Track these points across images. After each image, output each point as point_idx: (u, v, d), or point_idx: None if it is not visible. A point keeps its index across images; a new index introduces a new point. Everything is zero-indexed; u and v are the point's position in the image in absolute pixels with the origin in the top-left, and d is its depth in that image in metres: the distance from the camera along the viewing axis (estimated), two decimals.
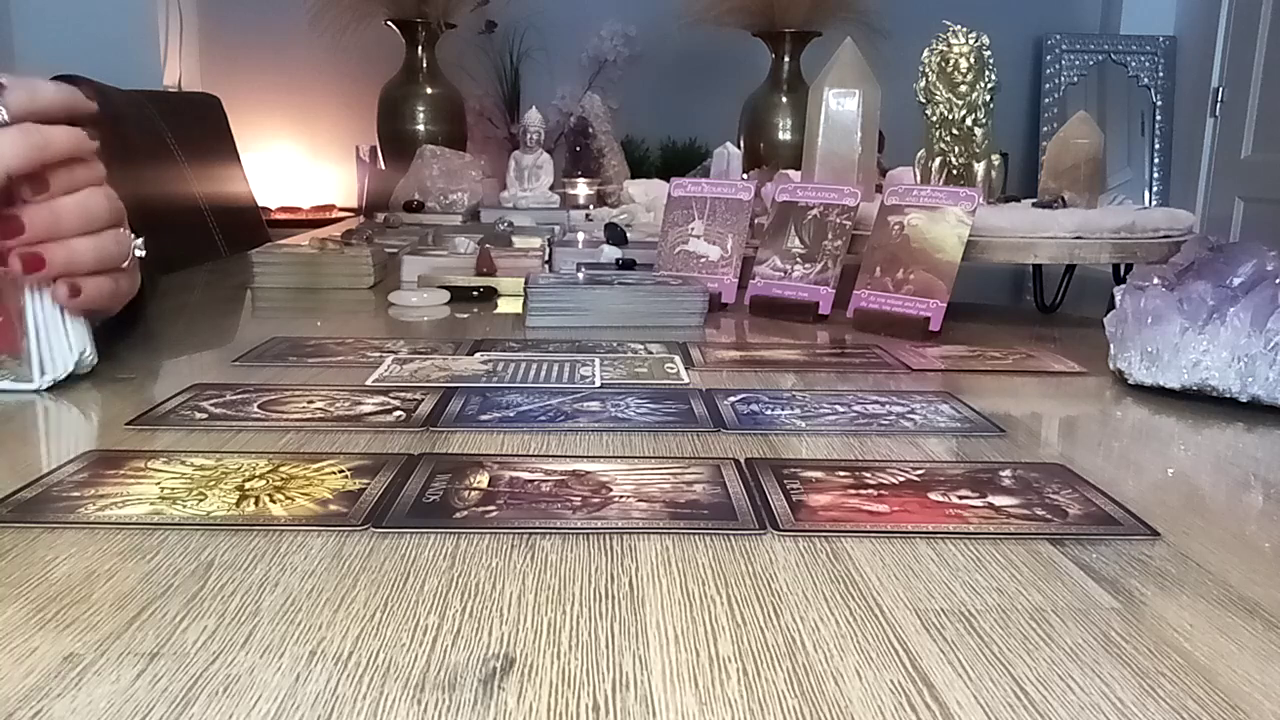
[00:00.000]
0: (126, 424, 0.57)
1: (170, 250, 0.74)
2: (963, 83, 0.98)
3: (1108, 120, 3.32)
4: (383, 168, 2.49)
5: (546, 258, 1.20)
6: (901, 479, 0.50)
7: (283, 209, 3.07)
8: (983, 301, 1.16)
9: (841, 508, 0.46)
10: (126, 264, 0.65)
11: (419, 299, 1.02)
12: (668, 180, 1.18)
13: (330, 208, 3.13)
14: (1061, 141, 1.07)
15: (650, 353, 0.79)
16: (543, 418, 0.60)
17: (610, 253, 1.17)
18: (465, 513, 0.44)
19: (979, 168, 1.01)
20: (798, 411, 0.62)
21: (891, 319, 0.90)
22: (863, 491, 0.48)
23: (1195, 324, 0.65)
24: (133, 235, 0.66)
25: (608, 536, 0.42)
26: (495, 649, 0.33)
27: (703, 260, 1.05)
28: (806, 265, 0.98)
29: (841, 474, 0.50)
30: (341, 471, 0.49)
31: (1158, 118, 3.43)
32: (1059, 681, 0.31)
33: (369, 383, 0.67)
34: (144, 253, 0.67)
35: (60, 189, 0.59)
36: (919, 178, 1.04)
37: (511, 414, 0.60)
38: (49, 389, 0.63)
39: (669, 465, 0.52)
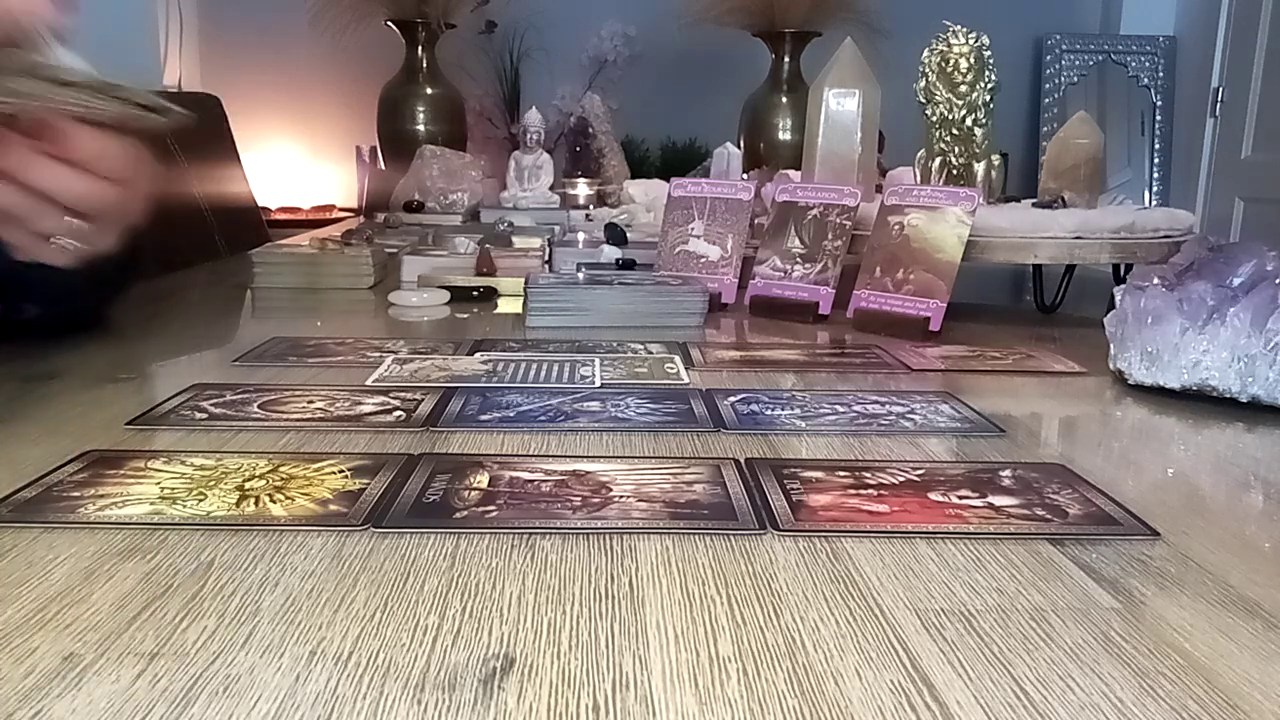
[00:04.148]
0: (126, 424, 0.57)
1: (170, 250, 0.73)
2: (963, 83, 0.98)
3: (1108, 120, 3.32)
4: (383, 168, 2.49)
5: (546, 258, 1.20)
6: (901, 479, 0.50)
7: (283, 209, 3.07)
8: (983, 301, 1.16)
9: (841, 508, 0.46)
10: (50, 236, 0.63)
11: (419, 299, 1.02)
12: (668, 180, 1.18)
13: (330, 208, 3.13)
14: (1061, 141, 1.07)
15: (650, 353, 0.79)
16: (543, 418, 0.60)
17: (610, 253, 1.17)
18: (465, 513, 0.44)
19: (979, 168, 1.01)
20: (798, 411, 0.62)
21: (891, 319, 0.90)
22: (863, 491, 0.48)
23: (1195, 324, 0.65)
24: (76, 225, 0.63)
25: (608, 536, 0.42)
26: (495, 649, 0.33)
27: (703, 260, 1.05)
28: (806, 265, 0.98)
29: (841, 474, 0.50)
30: (341, 471, 0.49)
31: (1158, 118, 3.43)
32: (1059, 681, 0.31)
33: (369, 383, 0.67)
34: (69, 244, 0.63)
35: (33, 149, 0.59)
36: (919, 178, 1.04)
37: (511, 414, 0.60)
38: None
39: (669, 465, 0.52)
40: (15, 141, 0.58)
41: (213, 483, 0.47)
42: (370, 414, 0.60)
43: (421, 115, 2.52)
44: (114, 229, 0.66)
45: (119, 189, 0.63)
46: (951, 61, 0.98)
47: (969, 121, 0.99)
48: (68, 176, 0.60)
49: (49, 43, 0.57)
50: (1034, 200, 1.05)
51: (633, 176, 2.18)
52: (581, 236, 1.37)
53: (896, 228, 0.93)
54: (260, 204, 2.41)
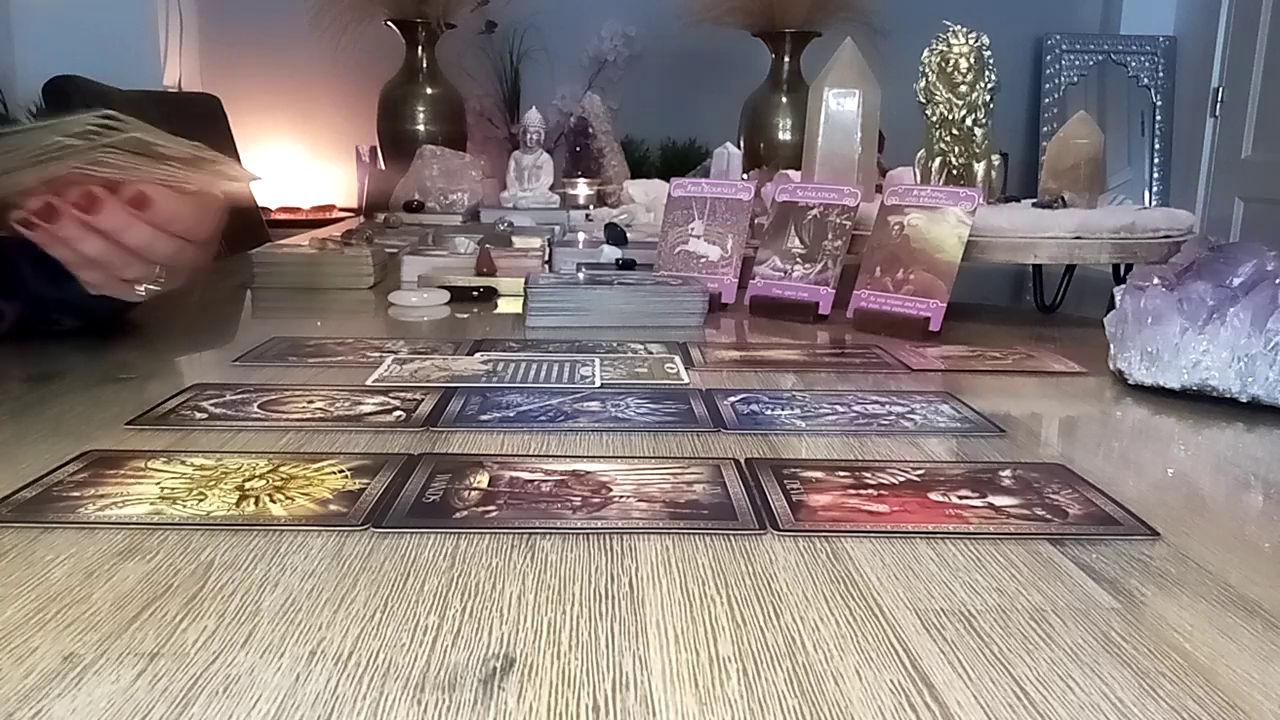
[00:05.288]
0: (126, 424, 0.57)
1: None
2: (963, 83, 0.98)
3: (1108, 120, 3.32)
4: (383, 168, 2.49)
5: (546, 258, 1.20)
6: (901, 479, 0.50)
7: (283, 209, 3.07)
8: (983, 301, 1.16)
9: (841, 508, 0.46)
10: (132, 281, 0.71)
11: (419, 299, 1.02)
12: (668, 180, 1.18)
13: (330, 208, 3.13)
14: (1061, 141, 1.07)
15: (650, 353, 0.79)
16: (543, 418, 0.60)
17: (610, 253, 1.17)
18: (465, 513, 0.44)
19: (979, 168, 1.01)
20: (798, 411, 0.62)
21: (891, 319, 0.90)
22: (863, 491, 0.48)
23: (1195, 324, 0.65)
24: (156, 276, 0.72)
25: (608, 536, 0.42)
26: (495, 649, 0.33)
27: (703, 260, 1.05)
28: (806, 265, 0.98)
29: (841, 474, 0.50)
30: (341, 471, 0.49)
31: (1158, 118, 3.43)
32: (1059, 681, 0.31)
33: (369, 383, 0.67)
34: (155, 288, 0.72)
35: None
36: (919, 178, 1.04)
37: (511, 414, 0.60)
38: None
39: (669, 465, 0.52)
40: (117, 205, 0.66)
41: (213, 483, 0.47)
42: (370, 414, 0.60)
43: (421, 115, 2.51)
44: (188, 274, 0.75)
45: (196, 246, 0.72)
46: (951, 61, 0.98)
47: (969, 121, 0.99)
48: (157, 239, 0.69)
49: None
50: (1034, 200, 1.05)
51: (633, 176, 2.18)
52: (581, 236, 1.37)
53: (896, 228, 0.93)
54: (260, 204, 2.41)
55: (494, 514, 0.44)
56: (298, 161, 3.24)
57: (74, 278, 0.70)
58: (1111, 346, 0.72)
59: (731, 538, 0.42)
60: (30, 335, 0.77)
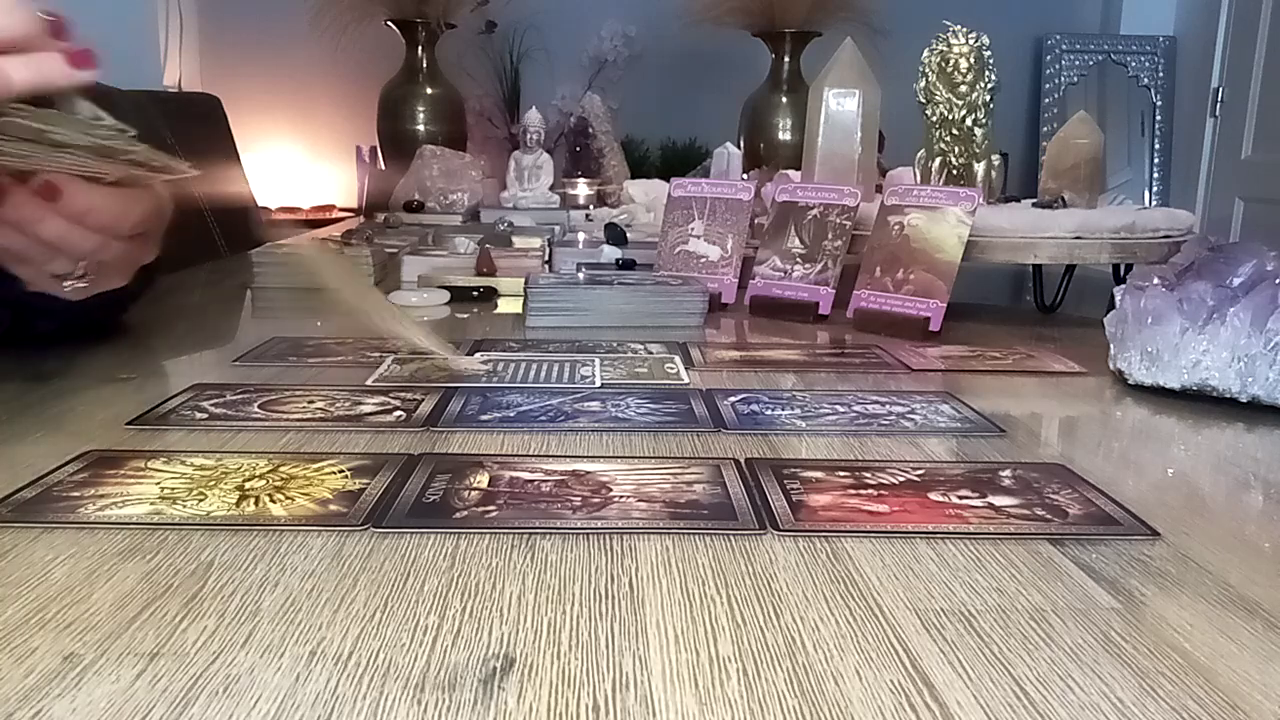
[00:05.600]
0: (126, 424, 0.57)
1: (170, 250, 0.74)
2: (963, 83, 0.98)
3: (1108, 120, 3.32)
4: (383, 168, 2.49)
5: (546, 258, 1.20)
6: (901, 479, 0.50)
7: (283, 209, 3.07)
8: (983, 301, 1.16)
9: (841, 508, 0.46)
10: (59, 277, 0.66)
11: (419, 299, 1.02)
12: (668, 180, 1.18)
13: (330, 208, 3.13)
14: (1061, 141, 1.07)
15: (650, 353, 0.79)
16: (543, 418, 0.60)
17: (610, 253, 1.17)
18: (465, 513, 0.44)
19: (979, 168, 1.01)
20: (798, 411, 0.62)
21: (891, 319, 0.90)
22: (863, 491, 0.48)
23: (1195, 324, 0.65)
24: (83, 273, 0.66)
25: (608, 536, 0.42)
26: (495, 649, 0.33)
27: (703, 260, 1.05)
28: (806, 265, 0.98)
29: (841, 474, 0.50)
30: (341, 471, 0.49)
31: (1158, 118, 3.44)
32: (1059, 681, 0.31)
33: (369, 383, 0.67)
34: (82, 284, 0.66)
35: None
36: (919, 178, 1.04)
37: (511, 414, 0.60)
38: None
39: (669, 465, 0.52)
40: (26, 196, 0.61)
41: (213, 483, 0.47)
42: (370, 414, 0.60)
43: (421, 115, 2.52)
44: (123, 272, 0.69)
45: (123, 242, 0.66)
46: (951, 61, 0.98)
47: (969, 121, 0.99)
48: (71, 232, 0.63)
49: (70, 99, 0.59)
50: (1034, 200, 1.05)
51: (633, 176, 2.18)
52: (581, 236, 1.37)
53: (896, 228, 0.93)
54: (260, 204, 2.41)
55: (494, 514, 0.44)
56: (298, 161, 3.25)
57: (14, 276, 0.66)
58: (1111, 346, 0.72)
59: (731, 538, 0.42)
60: (12, 340, 0.76)
